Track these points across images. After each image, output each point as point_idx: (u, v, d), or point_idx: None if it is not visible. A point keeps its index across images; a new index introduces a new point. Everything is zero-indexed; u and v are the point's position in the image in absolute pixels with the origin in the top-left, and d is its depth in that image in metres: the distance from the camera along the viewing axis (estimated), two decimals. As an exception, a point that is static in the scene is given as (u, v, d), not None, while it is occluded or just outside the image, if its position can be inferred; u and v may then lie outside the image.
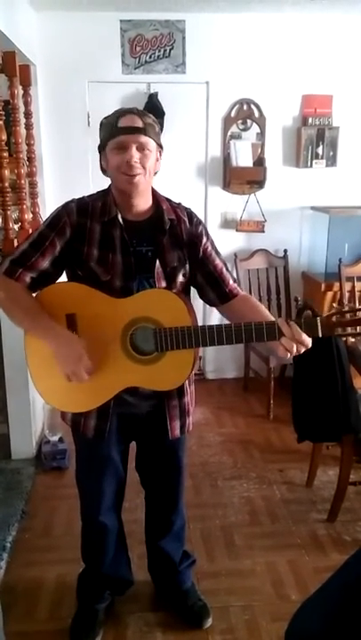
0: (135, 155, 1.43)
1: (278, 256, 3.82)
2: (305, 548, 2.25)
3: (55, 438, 2.89)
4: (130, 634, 1.85)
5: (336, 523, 2.39)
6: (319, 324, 1.35)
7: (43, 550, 2.25)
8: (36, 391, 1.58)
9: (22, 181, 2.84)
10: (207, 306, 1.68)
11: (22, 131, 2.97)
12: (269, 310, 1.62)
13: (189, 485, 2.57)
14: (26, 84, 2.99)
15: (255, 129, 3.72)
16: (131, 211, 1.52)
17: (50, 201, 3.51)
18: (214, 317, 3.00)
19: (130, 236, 1.50)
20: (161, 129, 1.54)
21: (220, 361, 4.03)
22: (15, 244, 2.60)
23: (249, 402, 3.68)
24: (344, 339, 2.25)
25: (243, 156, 3.69)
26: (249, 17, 3.50)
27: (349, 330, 1.35)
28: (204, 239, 1.59)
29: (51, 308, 1.47)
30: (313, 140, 3.71)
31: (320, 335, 1.36)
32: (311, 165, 3.75)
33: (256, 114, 3.68)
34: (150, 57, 3.52)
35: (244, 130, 3.73)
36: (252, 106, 3.67)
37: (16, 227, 2.83)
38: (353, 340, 2.37)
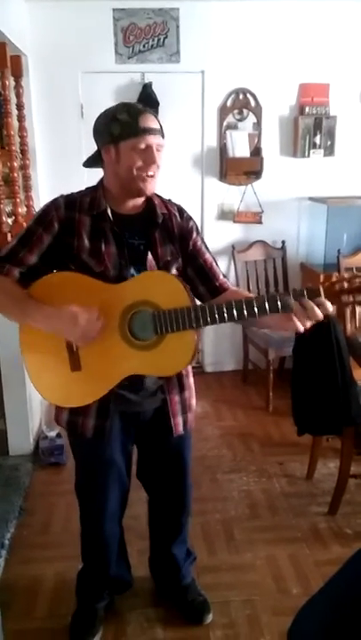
0: (157, 157, 1.43)
1: (276, 247, 3.79)
2: (306, 542, 2.23)
3: (53, 434, 2.87)
4: (130, 630, 1.84)
5: (337, 515, 2.38)
6: (322, 289, 1.33)
7: (41, 547, 2.23)
8: (35, 390, 1.55)
9: (15, 174, 2.79)
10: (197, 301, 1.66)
11: (15, 123, 2.92)
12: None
13: (189, 480, 2.56)
14: (17, 75, 2.94)
15: (252, 119, 3.67)
16: (125, 205, 1.51)
17: (44, 194, 3.47)
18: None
19: (121, 229, 1.49)
20: None
21: (219, 353, 4.01)
22: (9, 237, 2.58)
23: (248, 394, 3.66)
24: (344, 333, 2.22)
25: (239, 147, 3.64)
26: (244, 4, 3.44)
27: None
28: (195, 234, 1.60)
29: (46, 298, 1.45)
30: (310, 129, 3.67)
31: (323, 296, 1.33)
32: (309, 155, 3.71)
33: (252, 103, 3.64)
34: (144, 46, 3.47)
35: (241, 120, 3.68)
36: (249, 95, 3.62)
37: (10, 220, 2.79)
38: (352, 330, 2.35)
